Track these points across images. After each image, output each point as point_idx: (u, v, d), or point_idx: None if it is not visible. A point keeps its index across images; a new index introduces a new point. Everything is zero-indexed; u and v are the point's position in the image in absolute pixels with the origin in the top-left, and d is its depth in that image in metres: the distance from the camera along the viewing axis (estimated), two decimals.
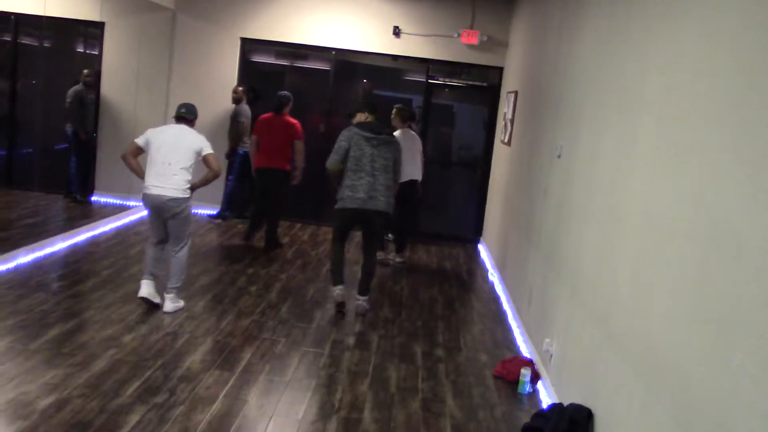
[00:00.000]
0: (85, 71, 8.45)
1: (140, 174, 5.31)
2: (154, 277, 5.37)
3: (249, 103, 8.55)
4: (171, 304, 5.34)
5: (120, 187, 8.70)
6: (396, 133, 7.24)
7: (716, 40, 2.59)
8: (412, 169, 7.42)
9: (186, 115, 5.39)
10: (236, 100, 8.48)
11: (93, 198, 8.82)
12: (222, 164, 8.06)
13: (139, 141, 5.27)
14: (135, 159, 5.29)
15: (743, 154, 2.27)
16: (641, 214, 3.17)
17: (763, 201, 2.11)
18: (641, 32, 3.48)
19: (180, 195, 5.18)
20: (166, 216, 5.23)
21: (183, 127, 5.35)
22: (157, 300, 5.34)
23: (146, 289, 5.30)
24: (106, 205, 8.74)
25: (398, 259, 7.79)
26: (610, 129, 3.84)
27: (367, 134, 5.57)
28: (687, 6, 2.93)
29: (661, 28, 3.21)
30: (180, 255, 5.37)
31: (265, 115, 7.52)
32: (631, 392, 3.02)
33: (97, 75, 8.75)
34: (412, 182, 7.48)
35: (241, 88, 8.52)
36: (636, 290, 3.12)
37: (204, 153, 5.31)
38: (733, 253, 2.25)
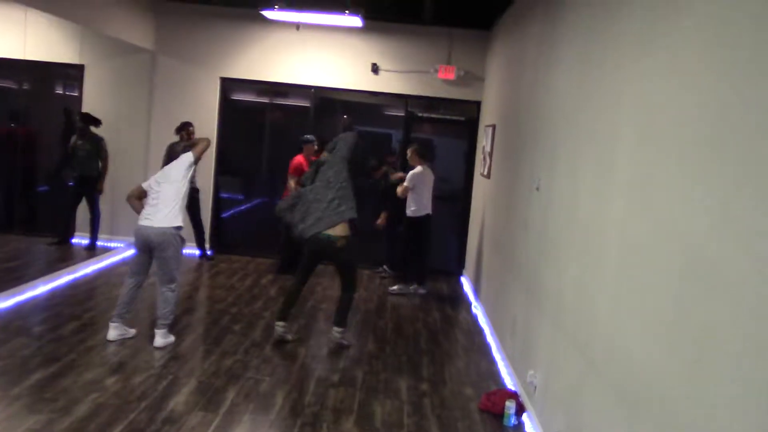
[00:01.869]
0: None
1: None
2: (122, 320, 5.50)
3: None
4: (161, 339, 5.42)
5: (102, 229, 8.65)
6: (416, 170, 7.82)
7: (685, 75, 2.68)
8: (429, 203, 7.97)
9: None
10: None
11: (74, 240, 8.75)
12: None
13: (144, 184, 5.49)
14: (138, 201, 5.45)
15: (714, 185, 2.33)
16: (618, 245, 3.22)
17: (733, 229, 2.17)
18: (615, 68, 3.57)
19: (166, 225, 5.29)
20: (153, 249, 5.32)
21: (173, 162, 5.57)
22: (128, 335, 5.51)
23: (113, 332, 5.46)
24: (87, 247, 8.68)
25: (420, 291, 8.17)
26: (586, 162, 3.91)
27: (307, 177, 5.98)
28: (656, 44, 3.02)
29: (633, 64, 3.30)
30: (168, 293, 5.44)
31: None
32: (614, 419, 3.05)
33: (70, 118, 8.78)
34: (428, 216, 7.98)
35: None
36: (615, 319, 3.17)
37: (190, 159, 5.51)
38: (708, 281, 2.31)
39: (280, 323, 5.83)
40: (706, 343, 2.28)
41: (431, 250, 8.31)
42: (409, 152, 8.08)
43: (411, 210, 7.89)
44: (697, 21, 2.61)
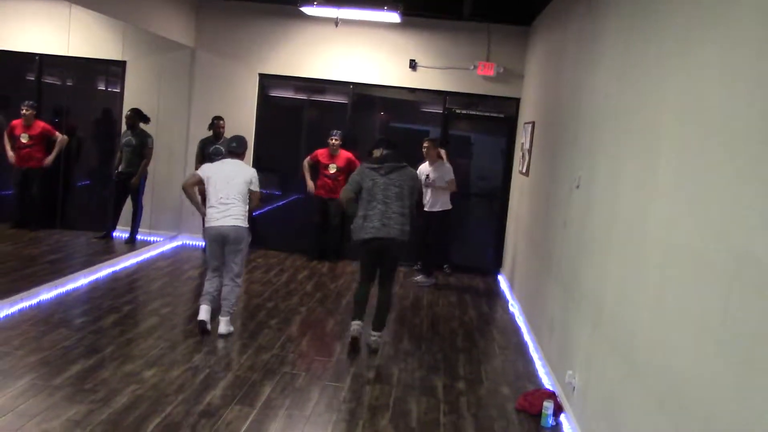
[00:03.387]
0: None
1: (197, 204, 5.73)
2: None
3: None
4: (225, 327, 5.65)
5: (141, 223, 8.76)
6: (448, 164, 8.17)
7: (733, 69, 2.60)
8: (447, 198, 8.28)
9: (237, 150, 5.78)
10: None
11: (114, 233, 8.86)
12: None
13: (200, 173, 5.65)
14: (194, 189, 5.67)
15: (765, 183, 2.25)
16: (663, 246, 3.15)
17: None
18: (657, 65, 3.49)
19: (240, 224, 5.55)
20: (228, 244, 5.57)
21: (236, 162, 5.72)
22: (208, 327, 5.63)
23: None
24: (127, 240, 8.79)
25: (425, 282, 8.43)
26: (629, 160, 3.83)
27: (375, 165, 5.73)
28: (702, 37, 2.94)
29: (677, 58, 3.22)
30: (236, 288, 5.69)
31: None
32: (656, 425, 2.98)
33: (110, 113, 8.92)
34: (447, 211, 8.31)
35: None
36: (658, 322, 3.09)
37: (252, 188, 5.66)
38: (757, 285, 2.23)
39: (356, 322, 5.68)
40: (755, 348, 2.21)
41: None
42: (427, 144, 8.20)
43: (441, 204, 8.20)
44: (746, 11, 2.53)
